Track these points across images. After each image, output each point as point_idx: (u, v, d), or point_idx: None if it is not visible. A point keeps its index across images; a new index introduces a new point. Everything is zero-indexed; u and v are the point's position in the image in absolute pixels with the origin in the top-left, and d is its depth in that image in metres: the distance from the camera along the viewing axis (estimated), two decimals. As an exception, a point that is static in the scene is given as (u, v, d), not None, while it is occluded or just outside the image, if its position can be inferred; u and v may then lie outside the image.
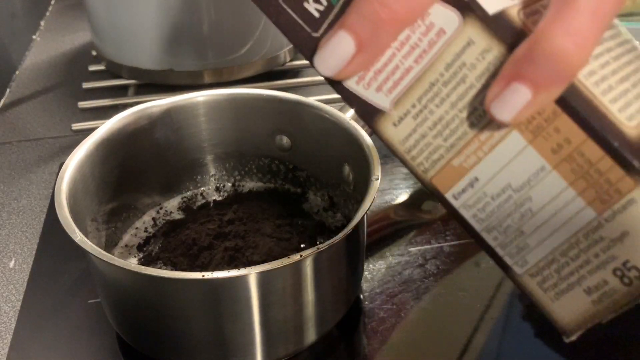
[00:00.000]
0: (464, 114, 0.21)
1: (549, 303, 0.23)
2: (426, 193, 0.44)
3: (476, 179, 0.22)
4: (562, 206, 0.21)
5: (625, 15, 0.60)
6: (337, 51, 0.21)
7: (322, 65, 0.22)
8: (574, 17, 0.18)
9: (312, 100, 0.37)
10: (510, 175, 0.22)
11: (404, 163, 0.24)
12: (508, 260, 0.23)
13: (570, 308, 0.22)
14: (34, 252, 0.39)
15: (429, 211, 0.42)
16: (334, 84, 0.23)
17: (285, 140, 0.39)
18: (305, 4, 0.22)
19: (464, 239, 0.39)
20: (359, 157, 0.33)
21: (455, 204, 0.23)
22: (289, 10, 0.22)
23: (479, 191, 0.22)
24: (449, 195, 0.23)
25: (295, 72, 0.59)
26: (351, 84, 0.23)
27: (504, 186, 0.22)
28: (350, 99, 0.23)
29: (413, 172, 0.24)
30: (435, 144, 0.22)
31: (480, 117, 0.21)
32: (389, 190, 0.43)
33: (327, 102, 0.37)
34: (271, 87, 0.54)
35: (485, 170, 0.22)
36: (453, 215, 0.24)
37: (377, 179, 0.30)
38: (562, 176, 0.21)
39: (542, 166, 0.21)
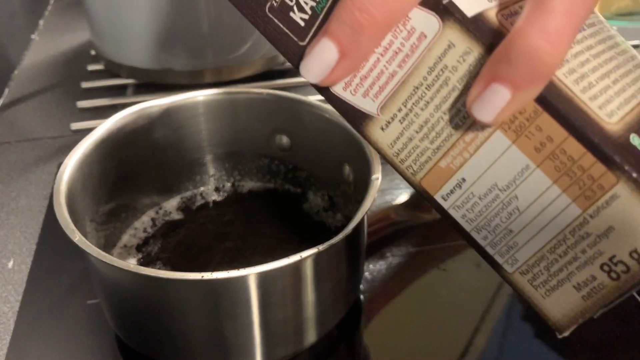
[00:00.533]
0: (448, 116, 0.22)
1: (540, 300, 0.23)
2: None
3: (463, 180, 0.23)
4: (547, 204, 0.21)
5: (625, 15, 0.60)
6: (321, 58, 0.21)
7: (307, 72, 0.22)
8: (548, 17, 0.19)
9: (312, 99, 0.37)
10: (495, 175, 0.22)
11: (393, 166, 0.24)
12: (498, 259, 0.24)
13: (561, 304, 0.23)
14: (33, 253, 0.38)
15: (429, 211, 0.42)
16: (322, 90, 0.23)
17: (285, 140, 0.39)
18: (291, 14, 0.22)
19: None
20: (359, 157, 0.33)
21: (445, 205, 0.24)
22: (276, 20, 0.23)
23: (466, 191, 0.23)
24: (438, 197, 0.24)
25: (295, 72, 0.59)
26: (338, 90, 0.23)
27: (490, 186, 0.22)
28: (338, 105, 0.24)
29: (402, 175, 0.24)
30: (422, 146, 0.23)
31: (464, 118, 0.22)
32: (389, 190, 0.43)
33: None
34: (271, 87, 0.54)
35: (471, 170, 0.22)
36: (443, 217, 0.24)
37: (378, 179, 0.30)
38: (546, 174, 0.21)
39: (527, 165, 0.21)
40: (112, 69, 0.57)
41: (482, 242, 0.24)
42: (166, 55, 0.53)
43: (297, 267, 0.27)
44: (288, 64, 0.59)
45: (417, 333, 0.33)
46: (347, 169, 0.36)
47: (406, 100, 0.22)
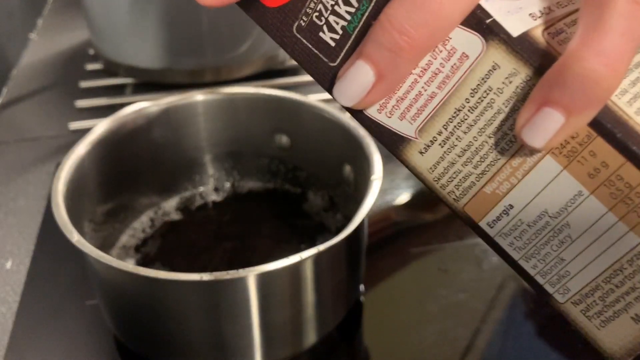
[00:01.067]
0: (494, 140, 0.21)
1: (594, 331, 0.22)
2: (427, 193, 0.44)
3: (511, 206, 0.22)
4: (602, 232, 0.21)
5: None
6: (356, 81, 0.21)
7: (341, 95, 0.21)
8: (605, 39, 0.18)
9: (312, 99, 0.37)
10: (546, 202, 0.21)
11: (434, 191, 0.23)
12: (549, 288, 0.23)
13: (618, 336, 0.22)
14: (31, 253, 0.38)
15: (429, 211, 0.42)
16: (355, 113, 0.22)
17: (284, 139, 0.39)
18: (321, 34, 0.21)
19: (465, 239, 0.39)
20: (360, 156, 0.33)
21: (491, 232, 0.23)
22: (304, 41, 0.22)
23: (514, 218, 0.22)
24: (483, 224, 0.23)
25: (294, 71, 0.59)
26: (373, 113, 0.22)
27: (540, 213, 0.21)
28: (372, 128, 0.22)
29: (444, 201, 0.23)
30: (465, 171, 0.22)
31: (510, 142, 0.21)
32: (390, 191, 0.43)
33: (327, 101, 0.37)
34: (271, 86, 0.54)
35: (519, 196, 0.21)
36: (489, 244, 0.23)
37: (378, 179, 0.30)
38: (601, 201, 0.20)
39: (579, 191, 0.20)
40: (111, 68, 0.57)
41: (531, 271, 0.23)
42: (165, 54, 0.53)
43: (297, 267, 0.27)
44: (288, 63, 0.59)
45: (417, 333, 0.33)
46: (347, 169, 0.36)
47: (447, 122, 0.21)
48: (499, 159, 0.21)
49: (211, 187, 0.41)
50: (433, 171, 0.22)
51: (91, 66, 0.60)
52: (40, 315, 0.34)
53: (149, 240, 0.36)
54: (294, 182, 0.40)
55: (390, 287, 0.36)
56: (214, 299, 0.27)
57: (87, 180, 0.33)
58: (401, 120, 0.22)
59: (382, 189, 0.30)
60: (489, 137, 0.21)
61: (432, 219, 0.41)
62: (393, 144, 0.22)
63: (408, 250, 0.38)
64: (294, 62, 0.59)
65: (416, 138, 0.22)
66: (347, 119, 0.35)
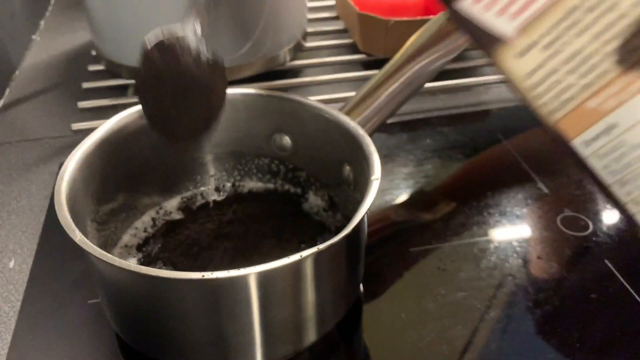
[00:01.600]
0: (610, 48, 0.18)
1: None
2: (427, 193, 0.44)
3: (614, 125, 0.19)
4: None
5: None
6: None
7: None
8: None
9: (312, 100, 0.37)
10: None
11: (525, 101, 0.21)
12: None
13: None
14: (34, 252, 0.39)
15: (429, 211, 0.42)
16: (447, 4, 0.20)
17: (285, 140, 0.39)
18: None
19: (464, 239, 0.39)
20: (359, 157, 0.33)
21: (585, 152, 0.20)
22: None
23: (616, 139, 0.19)
24: (577, 142, 0.20)
25: (295, 72, 0.59)
26: (466, 5, 0.20)
27: None
28: (464, 23, 0.20)
29: (535, 112, 0.21)
30: (568, 81, 0.19)
31: (631, 52, 0.18)
32: (389, 190, 0.43)
33: (327, 102, 0.37)
34: (271, 87, 0.54)
35: (627, 115, 0.19)
36: (578, 164, 0.21)
37: (377, 179, 0.30)
38: None
39: None
40: (113, 69, 0.57)
41: (623, 198, 0.20)
42: (167, 55, 0.53)
43: (297, 266, 0.27)
44: (288, 65, 0.59)
45: (417, 332, 0.33)
46: (347, 169, 0.36)
47: (556, 23, 0.18)
48: (611, 71, 0.18)
49: (212, 187, 0.41)
50: (529, 79, 0.20)
51: (93, 67, 0.60)
52: (43, 313, 0.34)
53: (150, 240, 0.37)
54: (294, 182, 0.40)
55: (390, 286, 0.36)
56: (214, 298, 0.27)
57: (90, 180, 0.33)
58: (499, 16, 0.19)
59: (382, 189, 0.30)
60: (605, 44, 0.18)
61: (432, 219, 0.41)
62: (485, 44, 0.20)
63: (408, 250, 0.38)
64: (294, 63, 0.59)
65: (515, 39, 0.19)
66: (347, 119, 0.35)
